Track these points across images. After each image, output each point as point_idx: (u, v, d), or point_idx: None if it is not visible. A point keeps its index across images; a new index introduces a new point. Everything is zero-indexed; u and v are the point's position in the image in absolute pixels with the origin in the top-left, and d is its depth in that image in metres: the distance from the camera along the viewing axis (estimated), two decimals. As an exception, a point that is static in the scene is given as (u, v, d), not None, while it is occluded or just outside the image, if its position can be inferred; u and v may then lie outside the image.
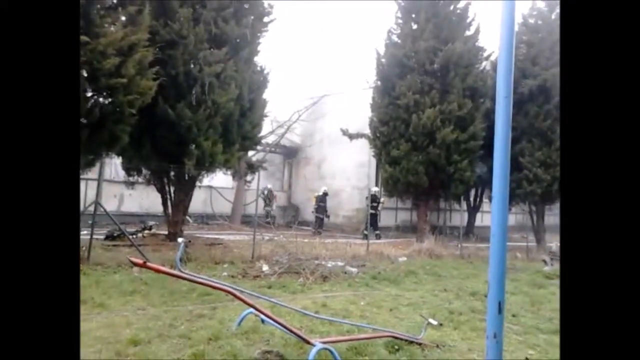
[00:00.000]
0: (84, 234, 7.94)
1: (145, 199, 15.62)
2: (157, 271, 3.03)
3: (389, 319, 5.31)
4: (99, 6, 7.42)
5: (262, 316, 3.86)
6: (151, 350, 3.73)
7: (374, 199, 15.30)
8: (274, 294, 6.21)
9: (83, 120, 7.51)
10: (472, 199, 18.94)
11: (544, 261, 11.36)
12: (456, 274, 9.14)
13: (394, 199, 17.50)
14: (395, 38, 15.10)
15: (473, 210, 19.10)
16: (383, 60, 15.00)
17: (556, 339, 4.63)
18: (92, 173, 9.40)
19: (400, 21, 15.08)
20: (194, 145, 9.53)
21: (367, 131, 15.94)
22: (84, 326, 4.05)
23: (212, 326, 4.46)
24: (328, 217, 17.53)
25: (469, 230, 17.97)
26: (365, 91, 16.67)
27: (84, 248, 7.53)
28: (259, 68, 11.32)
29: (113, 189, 15.24)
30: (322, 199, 17.20)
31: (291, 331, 3.59)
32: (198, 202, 16.42)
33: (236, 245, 10.63)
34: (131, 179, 11.16)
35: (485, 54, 15.34)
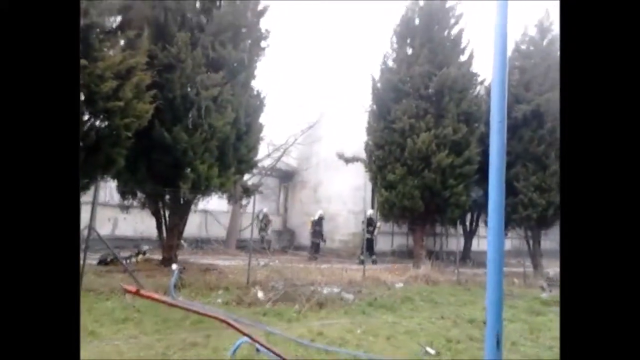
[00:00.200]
0: (76, 259, 7.80)
1: (139, 223, 15.45)
2: (151, 299, 2.96)
3: (385, 347, 5.20)
4: (98, 30, 7.48)
5: (257, 345, 3.76)
6: (141, 381, 3.61)
7: (370, 222, 15.20)
8: (269, 322, 6.09)
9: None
10: (468, 223, 18.89)
11: (542, 287, 11.28)
12: (453, 301, 9.03)
13: (390, 224, 17.42)
14: (390, 63, 15.29)
15: (469, 234, 19.02)
16: (378, 84, 15.15)
17: (556, 368, 4.53)
18: (87, 196, 9.32)
19: (395, 46, 15.31)
20: (189, 169, 9.48)
21: (363, 155, 15.98)
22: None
23: (206, 355, 4.35)
24: (324, 241, 17.31)
25: (466, 255, 17.84)
26: (361, 115, 16.80)
27: (75, 273, 7.38)
28: (255, 92, 11.37)
29: (107, 213, 15.09)
30: (318, 223, 17.05)
31: (285, 360, 3.50)
32: (193, 226, 16.25)
33: (231, 270, 10.48)
34: (126, 202, 11.03)
35: (479, 79, 15.50)
